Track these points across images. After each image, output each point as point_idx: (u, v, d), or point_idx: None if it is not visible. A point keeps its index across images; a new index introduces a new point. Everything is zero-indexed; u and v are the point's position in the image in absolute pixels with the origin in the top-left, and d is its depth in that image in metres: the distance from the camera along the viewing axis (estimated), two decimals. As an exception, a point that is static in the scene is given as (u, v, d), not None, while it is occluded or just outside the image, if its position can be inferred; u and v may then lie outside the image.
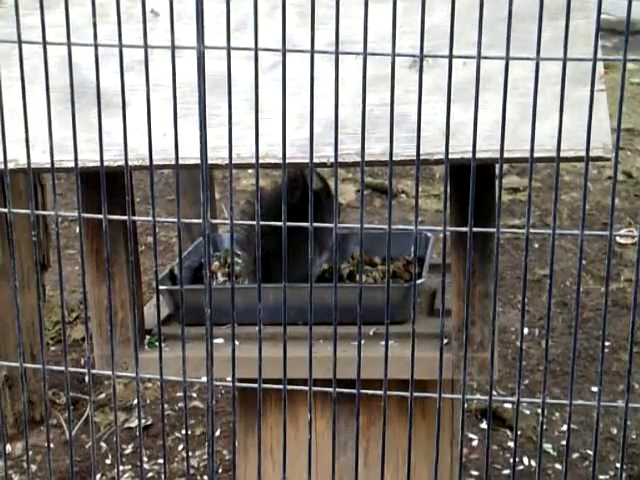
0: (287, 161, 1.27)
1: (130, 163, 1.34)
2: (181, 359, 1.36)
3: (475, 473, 3.43)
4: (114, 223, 1.71)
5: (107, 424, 3.76)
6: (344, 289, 2.05)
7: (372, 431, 2.08)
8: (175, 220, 1.30)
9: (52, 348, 4.25)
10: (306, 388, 1.33)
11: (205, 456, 3.51)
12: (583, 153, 1.21)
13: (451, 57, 1.17)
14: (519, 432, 3.57)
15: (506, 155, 1.25)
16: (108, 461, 3.58)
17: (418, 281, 2.05)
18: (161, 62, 1.44)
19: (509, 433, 3.65)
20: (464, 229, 1.26)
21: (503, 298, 4.61)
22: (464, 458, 3.46)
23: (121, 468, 3.51)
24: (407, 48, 1.58)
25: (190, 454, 3.55)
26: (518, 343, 3.87)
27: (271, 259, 1.93)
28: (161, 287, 2.10)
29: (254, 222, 1.29)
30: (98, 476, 3.49)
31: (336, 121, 1.21)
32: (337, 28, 1.17)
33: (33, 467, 3.52)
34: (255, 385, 1.35)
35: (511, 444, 3.59)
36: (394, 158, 1.27)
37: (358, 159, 1.50)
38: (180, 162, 1.31)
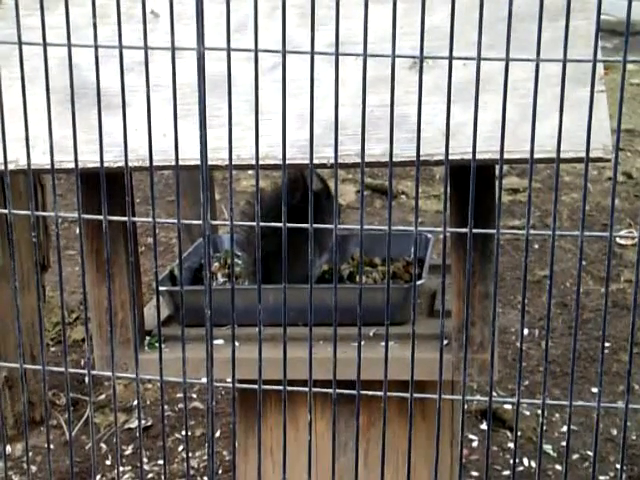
0: (287, 162, 1.27)
1: (130, 164, 1.34)
2: (181, 360, 1.36)
3: (475, 474, 3.43)
4: (114, 224, 1.71)
5: (107, 425, 3.76)
6: (344, 290, 2.05)
7: (372, 432, 2.08)
8: (175, 221, 1.30)
9: (52, 349, 4.25)
10: (306, 389, 1.33)
11: (205, 457, 3.51)
12: (583, 154, 1.21)
13: (451, 58, 1.17)
14: (519, 433, 3.57)
15: (506, 156, 1.25)
16: (108, 462, 3.58)
17: (418, 282, 2.05)
18: (161, 63, 1.44)
19: (509, 434, 3.65)
20: (464, 230, 1.26)
21: (503, 299, 4.61)
22: (464, 459, 3.46)
23: (121, 469, 3.51)
24: (407, 49, 1.58)
25: (190, 455, 3.55)
26: (518, 344, 3.87)
27: (271, 260, 1.93)
28: (161, 288, 2.10)
29: (254, 223, 1.29)
30: (98, 477, 3.49)
31: (336, 122, 1.21)
32: (337, 29, 1.17)
33: (33, 468, 3.52)
34: (255, 386, 1.35)
35: (511, 445, 3.59)
36: (394, 159, 1.27)
37: (358, 160, 1.50)
38: (180, 163, 1.31)
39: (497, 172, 1.78)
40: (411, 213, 5.35)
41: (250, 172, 4.88)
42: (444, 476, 2.29)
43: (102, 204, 1.31)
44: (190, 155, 1.47)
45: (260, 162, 1.27)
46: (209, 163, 1.31)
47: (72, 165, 1.32)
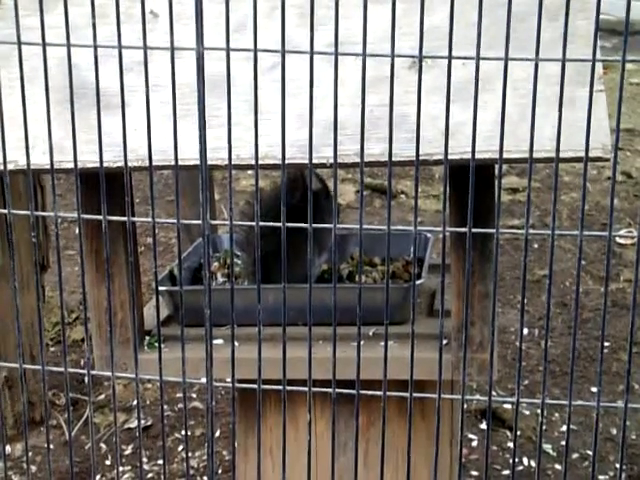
0: (286, 162, 1.27)
1: (129, 164, 1.34)
2: (181, 360, 1.36)
3: (475, 473, 3.43)
4: (114, 224, 1.71)
5: (107, 425, 3.76)
6: (343, 290, 2.04)
7: (372, 432, 2.08)
8: (174, 221, 1.30)
9: (52, 349, 4.25)
10: (306, 389, 1.33)
11: (205, 457, 3.51)
12: (582, 153, 1.21)
13: (450, 58, 1.17)
14: (519, 432, 3.57)
15: (505, 155, 1.25)
16: (108, 462, 3.58)
17: (417, 282, 2.05)
18: (160, 63, 1.44)
19: (509, 433, 3.65)
20: (463, 230, 1.26)
21: (502, 298, 4.61)
22: (464, 458, 3.46)
23: (121, 469, 3.51)
24: (407, 49, 1.58)
25: (190, 455, 3.55)
26: (518, 343, 3.88)
27: (271, 260, 1.93)
28: (161, 288, 2.10)
29: (253, 223, 1.29)
30: (98, 477, 3.49)
31: (335, 122, 1.21)
32: (336, 29, 1.17)
33: (33, 468, 3.52)
34: (255, 386, 1.35)
35: (511, 444, 3.59)
36: (393, 159, 1.27)
37: (357, 160, 1.50)
38: (179, 163, 1.31)
39: (496, 172, 1.78)
40: (410, 213, 5.35)
41: (249, 172, 4.88)
42: (444, 475, 2.29)
43: (101, 204, 1.31)
44: (189, 155, 1.47)
45: (259, 162, 1.27)
46: (208, 163, 1.31)
47: (71, 165, 1.32)
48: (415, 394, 1.32)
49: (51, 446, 3.60)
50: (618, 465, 3.39)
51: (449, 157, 1.24)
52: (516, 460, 3.40)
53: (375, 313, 1.60)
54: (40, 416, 3.69)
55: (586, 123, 1.18)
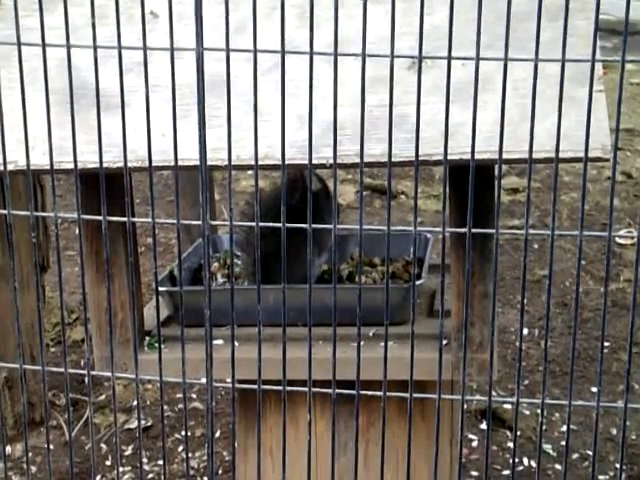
0: (286, 162, 1.27)
1: (129, 164, 1.34)
2: (181, 360, 1.36)
3: (475, 473, 3.43)
4: (114, 224, 1.71)
5: (107, 425, 3.76)
6: (343, 290, 2.04)
7: (372, 432, 2.08)
8: (174, 221, 1.30)
9: (52, 349, 4.25)
10: (306, 389, 1.33)
11: (205, 457, 3.51)
12: (582, 154, 1.21)
13: (450, 58, 1.17)
14: (519, 432, 3.57)
15: (505, 156, 1.25)
16: (108, 462, 3.58)
17: (417, 282, 2.05)
18: (160, 63, 1.44)
19: (509, 433, 3.65)
20: (463, 230, 1.26)
21: (503, 298, 4.61)
22: (464, 459, 3.46)
23: (121, 469, 3.51)
24: (406, 49, 1.58)
25: (190, 455, 3.55)
26: (518, 343, 3.88)
27: (271, 260, 1.93)
28: (161, 288, 2.10)
29: (253, 223, 1.29)
30: (98, 477, 3.49)
31: (335, 122, 1.21)
32: (336, 29, 1.17)
33: (33, 468, 3.52)
34: (255, 386, 1.35)
35: (511, 445, 3.59)
36: (393, 159, 1.27)
37: (357, 160, 1.50)
38: (179, 163, 1.31)
39: (496, 172, 1.78)
40: (410, 213, 5.34)
41: (249, 172, 4.88)
42: (444, 476, 2.29)
43: (101, 205, 1.31)
44: (189, 155, 1.47)
45: (259, 162, 1.27)
46: (208, 163, 1.31)
47: (71, 166, 1.32)
48: (415, 394, 1.32)
49: (51, 446, 3.60)
50: (618, 465, 3.39)
51: (449, 157, 1.24)
52: (516, 460, 3.40)
53: (375, 313, 1.60)
54: (40, 416, 3.69)
55: (586, 123, 1.18)
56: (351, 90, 1.50)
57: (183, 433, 3.67)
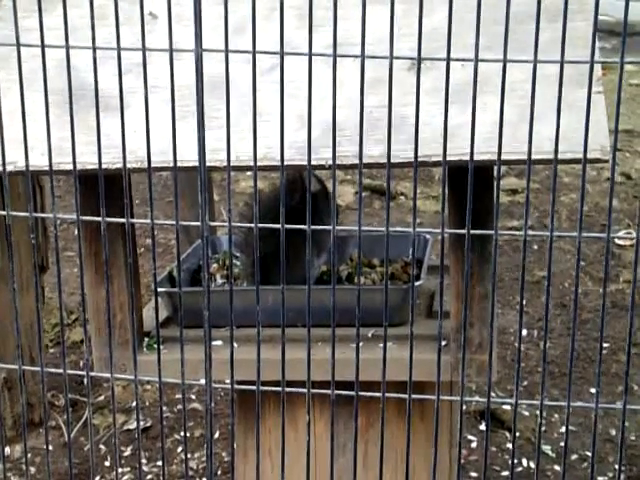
0: (285, 163, 1.27)
1: (128, 165, 1.34)
2: (180, 361, 1.36)
3: (474, 474, 3.43)
4: (113, 225, 1.71)
5: (106, 426, 3.75)
6: (342, 291, 2.05)
7: (371, 433, 2.08)
8: (173, 222, 1.30)
9: (51, 350, 4.25)
10: (305, 390, 1.33)
11: (204, 458, 3.51)
12: (581, 155, 1.21)
13: (449, 60, 1.17)
14: (518, 433, 3.57)
15: (504, 157, 1.25)
16: (107, 463, 3.58)
17: (416, 283, 2.05)
18: (160, 64, 1.44)
19: (508, 434, 3.65)
20: (462, 231, 1.26)
21: (502, 299, 4.61)
22: (463, 459, 3.46)
23: (120, 470, 3.50)
24: (406, 50, 1.58)
25: (189, 456, 3.55)
26: (517, 344, 3.88)
27: (270, 261, 1.93)
28: (160, 289, 2.10)
29: (252, 225, 1.29)
30: (97, 478, 3.48)
31: (334, 123, 1.22)
32: (335, 30, 1.17)
33: (32, 469, 3.52)
34: (254, 387, 1.35)
35: (510, 445, 3.59)
36: (392, 160, 1.27)
37: (356, 161, 1.50)
38: (178, 164, 1.31)
39: (495, 173, 1.78)
40: (410, 214, 5.35)
41: (249, 173, 4.88)
42: (443, 477, 2.29)
43: (100, 206, 1.31)
44: (189, 156, 1.47)
45: (258, 163, 1.27)
46: (207, 164, 1.31)
47: (71, 166, 1.32)
48: (414, 395, 1.32)
49: (50, 447, 3.60)
50: (617, 466, 3.39)
51: (448, 158, 1.24)
52: (515, 461, 3.40)
53: (374, 314, 1.60)
54: (39, 417, 3.69)
55: (585, 124, 1.18)
56: (350, 91, 1.50)
57: (182, 434, 3.67)
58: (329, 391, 1.33)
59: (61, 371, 1.42)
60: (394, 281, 2.23)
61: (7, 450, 3.57)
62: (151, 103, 1.27)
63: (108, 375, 1.41)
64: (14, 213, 1.35)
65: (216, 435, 3.62)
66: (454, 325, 1.90)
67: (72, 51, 1.24)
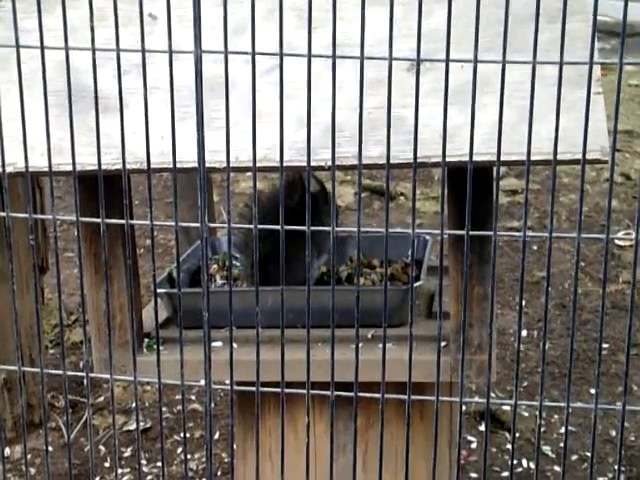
0: (285, 164, 1.27)
1: (128, 166, 1.34)
2: (179, 362, 1.36)
3: (474, 475, 3.43)
4: (112, 226, 1.71)
5: (106, 427, 3.75)
6: (342, 292, 2.05)
7: (370, 433, 2.08)
8: (173, 224, 1.30)
9: (51, 351, 4.25)
10: (304, 391, 1.33)
11: (204, 459, 3.51)
12: (580, 155, 1.21)
13: (448, 61, 1.17)
14: (518, 434, 3.57)
15: (503, 158, 1.25)
16: (107, 464, 3.58)
17: (416, 284, 2.05)
18: (159, 65, 1.44)
19: (508, 435, 3.65)
20: (461, 232, 1.26)
21: (502, 300, 4.61)
22: (463, 460, 3.46)
23: (120, 471, 3.50)
24: (406, 51, 1.58)
25: (189, 457, 3.55)
26: (516, 345, 3.88)
27: (270, 262, 1.93)
28: (159, 290, 2.10)
29: (252, 226, 1.29)
30: (97, 479, 3.49)
31: (333, 124, 1.22)
32: (334, 32, 1.17)
33: (32, 470, 3.52)
34: (253, 388, 1.35)
35: (510, 446, 3.59)
36: (392, 161, 1.27)
37: (356, 162, 1.50)
38: (178, 165, 1.31)
39: (495, 174, 1.78)
40: (410, 214, 5.34)
41: (248, 174, 4.88)
42: (443, 477, 2.29)
43: (100, 207, 1.31)
44: (188, 157, 1.47)
45: (258, 164, 1.27)
46: (207, 165, 1.31)
47: (70, 167, 1.32)
48: (413, 396, 1.32)
49: (50, 448, 3.60)
50: (617, 467, 3.39)
51: (447, 159, 1.24)
52: (515, 462, 3.40)
53: (374, 315, 1.60)
54: (39, 418, 3.69)
55: (584, 125, 1.18)
56: (350, 92, 1.50)
57: (182, 435, 3.67)
58: (329, 392, 1.33)
59: (61, 372, 1.42)
60: (394, 282, 2.23)
61: (7, 451, 3.57)
62: (150, 104, 1.27)
63: (108, 376, 1.41)
64: (14, 214, 1.35)
65: (216, 436, 3.62)
66: (454, 326, 1.90)
67: (72, 52, 1.25)
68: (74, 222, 1.35)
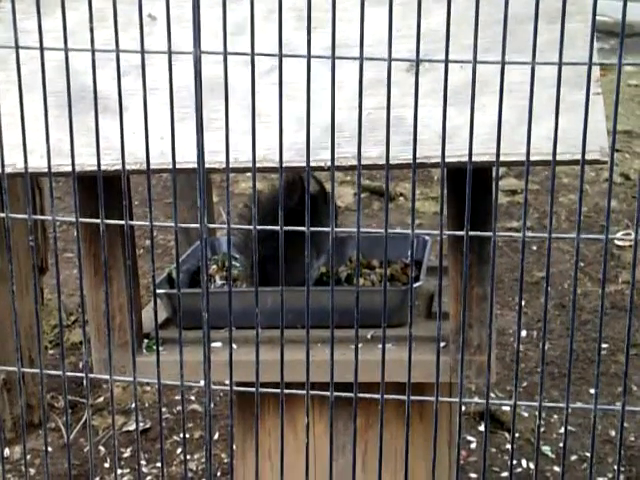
0: (284, 165, 1.27)
1: (128, 167, 1.34)
2: (179, 363, 1.36)
3: (473, 476, 3.43)
4: (112, 227, 1.71)
5: (105, 428, 3.75)
6: (342, 292, 2.05)
7: (370, 434, 2.08)
8: (172, 224, 1.30)
9: (51, 351, 4.25)
10: (304, 392, 1.33)
11: (203, 459, 3.51)
12: (579, 156, 1.21)
13: (447, 62, 1.17)
14: (517, 434, 3.57)
15: (503, 158, 1.26)
16: (106, 465, 3.58)
17: (415, 284, 2.05)
18: (159, 66, 1.44)
19: (507, 435, 3.65)
20: (461, 233, 1.26)
21: (501, 300, 4.61)
22: (462, 461, 3.46)
23: (119, 472, 3.50)
24: (405, 52, 1.58)
25: (188, 457, 3.55)
26: (516, 345, 3.87)
27: (269, 262, 1.93)
28: (159, 291, 2.10)
29: (251, 227, 1.29)
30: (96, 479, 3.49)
31: (332, 125, 1.22)
32: (333, 33, 1.17)
33: (31, 471, 3.52)
34: (253, 389, 1.35)
35: (509, 446, 3.59)
36: (391, 161, 1.27)
37: (355, 162, 1.50)
38: (178, 166, 1.31)
39: (494, 174, 1.78)
40: (409, 215, 5.34)
41: (248, 174, 4.88)
42: (442, 478, 2.29)
43: (99, 207, 1.31)
44: (188, 158, 1.47)
45: (257, 165, 1.27)
46: (206, 166, 1.31)
47: (70, 168, 1.32)
48: (413, 397, 1.32)
49: (50, 449, 3.60)
50: (616, 467, 3.39)
51: (446, 160, 1.24)
52: (515, 462, 3.40)
53: (373, 316, 1.60)
54: (39, 419, 3.69)
55: (583, 125, 1.18)
56: (349, 92, 1.50)
57: (181, 435, 3.66)
58: (328, 392, 1.33)
59: (60, 373, 1.42)
60: (393, 282, 2.23)
61: (7, 451, 3.57)
62: (150, 105, 1.27)
63: (107, 377, 1.41)
64: (13, 215, 1.35)
65: (215, 436, 3.62)
66: (453, 326, 1.90)
67: (71, 53, 1.25)
68: (74, 223, 1.35)
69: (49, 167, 1.33)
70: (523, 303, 4.47)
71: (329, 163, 1.27)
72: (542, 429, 3.63)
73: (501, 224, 5.32)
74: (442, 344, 1.90)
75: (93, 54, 1.23)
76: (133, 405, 3.84)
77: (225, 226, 1.32)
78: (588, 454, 3.52)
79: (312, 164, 1.30)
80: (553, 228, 1.24)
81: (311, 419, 1.37)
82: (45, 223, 3.86)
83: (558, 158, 1.23)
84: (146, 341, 2.08)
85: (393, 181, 5.87)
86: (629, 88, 7.55)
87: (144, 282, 3.69)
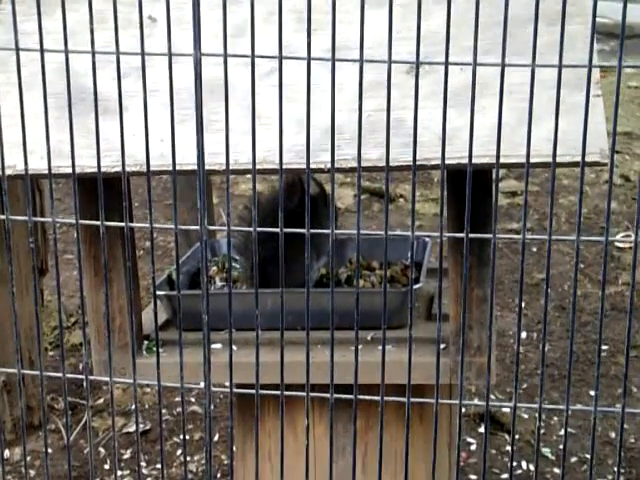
0: (284, 167, 1.27)
1: (128, 169, 1.34)
2: (179, 364, 1.36)
3: (473, 477, 3.43)
4: (112, 228, 1.71)
5: (105, 429, 3.75)
6: (341, 294, 2.05)
7: (370, 436, 2.08)
8: (172, 226, 1.30)
9: (51, 353, 4.25)
10: (304, 393, 1.33)
11: (203, 461, 3.51)
12: (579, 158, 1.21)
13: (447, 64, 1.17)
14: (517, 436, 3.57)
15: (503, 160, 1.26)
16: (106, 466, 3.58)
17: (415, 286, 2.05)
18: (159, 68, 1.44)
19: (507, 437, 3.65)
20: (461, 235, 1.26)
21: (501, 302, 4.61)
22: (462, 462, 3.46)
23: (119, 473, 3.50)
24: (405, 54, 1.58)
25: (188, 459, 3.55)
26: (516, 347, 3.87)
27: (269, 264, 1.93)
28: (159, 292, 2.10)
29: (251, 229, 1.29)
30: (96, 481, 3.49)
31: (332, 127, 1.22)
32: (333, 35, 1.17)
33: (31, 472, 3.52)
34: (253, 391, 1.35)
35: (509, 448, 3.59)
36: (391, 163, 1.27)
37: (355, 164, 1.50)
38: (178, 168, 1.31)
39: (494, 176, 1.78)
40: (409, 216, 5.34)
41: (248, 176, 4.88)
42: (442, 479, 2.29)
43: (99, 209, 1.31)
44: (188, 160, 1.47)
45: (257, 167, 1.27)
46: (206, 168, 1.31)
47: (70, 170, 1.33)
48: (413, 399, 1.32)
49: (50, 450, 3.60)
50: (616, 468, 3.39)
51: (446, 162, 1.24)
52: (515, 464, 3.40)
53: (373, 317, 1.60)
54: (39, 420, 3.69)
55: (583, 127, 1.18)
56: (349, 94, 1.51)
57: (181, 437, 3.66)
58: (328, 394, 1.33)
59: (60, 374, 1.42)
60: (393, 284, 2.23)
61: (7, 453, 3.57)
62: (150, 107, 1.27)
63: (107, 378, 1.41)
64: (13, 217, 1.35)
65: (215, 438, 3.62)
66: (453, 328, 1.90)
67: (71, 55, 1.25)
68: (74, 224, 1.35)
69: (49, 169, 1.33)
70: (523, 305, 4.47)
71: (329, 165, 1.27)
72: (542, 431, 3.63)
73: (501, 226, 5.33)
74: (442, 346, 1.90)
75: (93, 56, 1.23)
76: (133, 407, 3.84)
77: (225, 228, 1.32)
78: (588, 456, 3.52)
79: (312, 166, 1.30)
80: (553, 230, 1.24)
81: (311, 421, 1.37)
82: (45, 225, 3.86)
83: (558, 160, 1.23)
84: (146, 343, 2.08)
85: (393, 183, 5.87)
86: (629, 90, 7.55)
87: (144, 284, 3.69)
